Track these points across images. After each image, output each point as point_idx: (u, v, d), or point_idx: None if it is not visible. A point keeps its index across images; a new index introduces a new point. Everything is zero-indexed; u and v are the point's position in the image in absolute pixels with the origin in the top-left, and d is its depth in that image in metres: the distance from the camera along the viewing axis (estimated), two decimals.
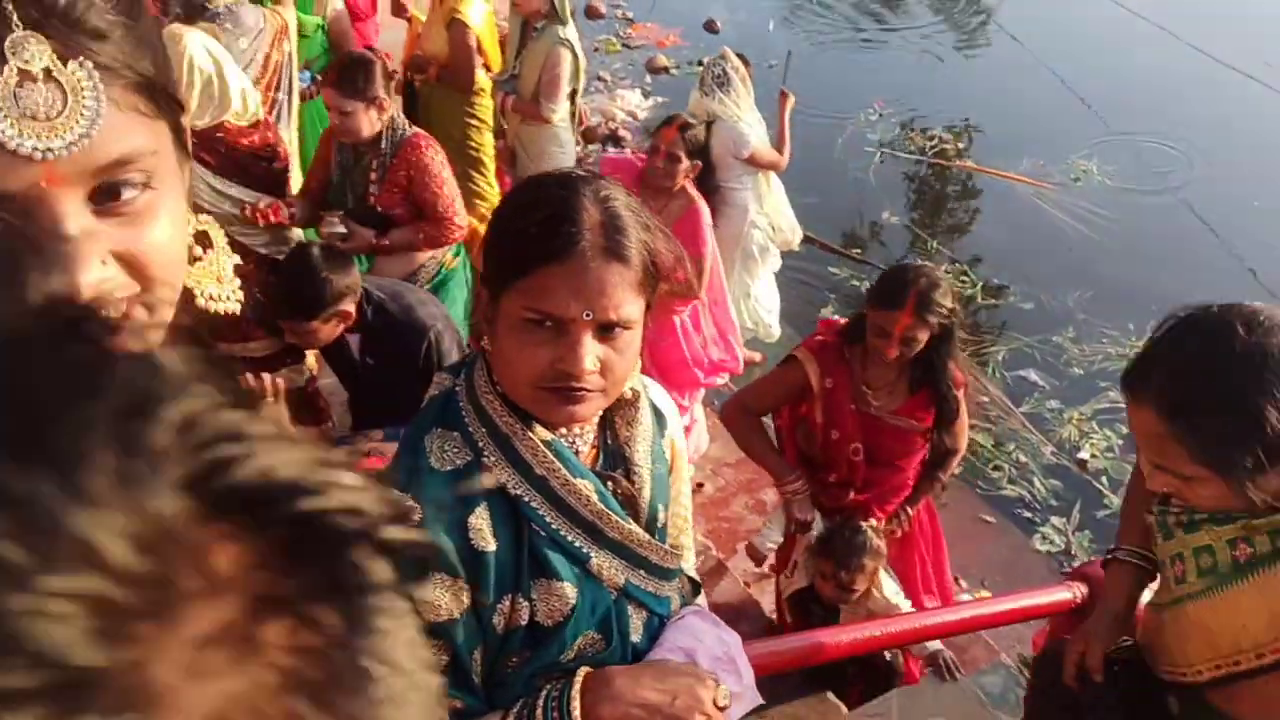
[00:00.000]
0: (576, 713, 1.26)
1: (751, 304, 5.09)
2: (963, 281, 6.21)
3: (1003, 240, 6.71)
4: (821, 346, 3.06)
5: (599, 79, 8.42)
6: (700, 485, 4.44)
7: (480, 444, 1.28)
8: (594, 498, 1.30)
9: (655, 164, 4.05)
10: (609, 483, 1.35)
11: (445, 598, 1.23)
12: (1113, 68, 8.71)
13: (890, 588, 3.15)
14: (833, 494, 3.14)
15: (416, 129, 3.62)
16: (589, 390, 1.23)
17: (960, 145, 7.58)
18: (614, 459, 1.39)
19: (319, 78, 4.52)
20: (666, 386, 4.49)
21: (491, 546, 1.25)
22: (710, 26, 9.27)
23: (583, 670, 1.30)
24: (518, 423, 1.27)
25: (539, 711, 1.27)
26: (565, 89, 4.89)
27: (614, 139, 7.58)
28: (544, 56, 4.89)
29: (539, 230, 1.21)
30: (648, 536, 1.36)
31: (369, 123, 3.45)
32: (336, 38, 4.86)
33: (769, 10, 9.73)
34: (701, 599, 1.57)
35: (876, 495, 3.15)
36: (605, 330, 1.22)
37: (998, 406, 5.36)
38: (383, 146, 3.51)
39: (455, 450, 1.28)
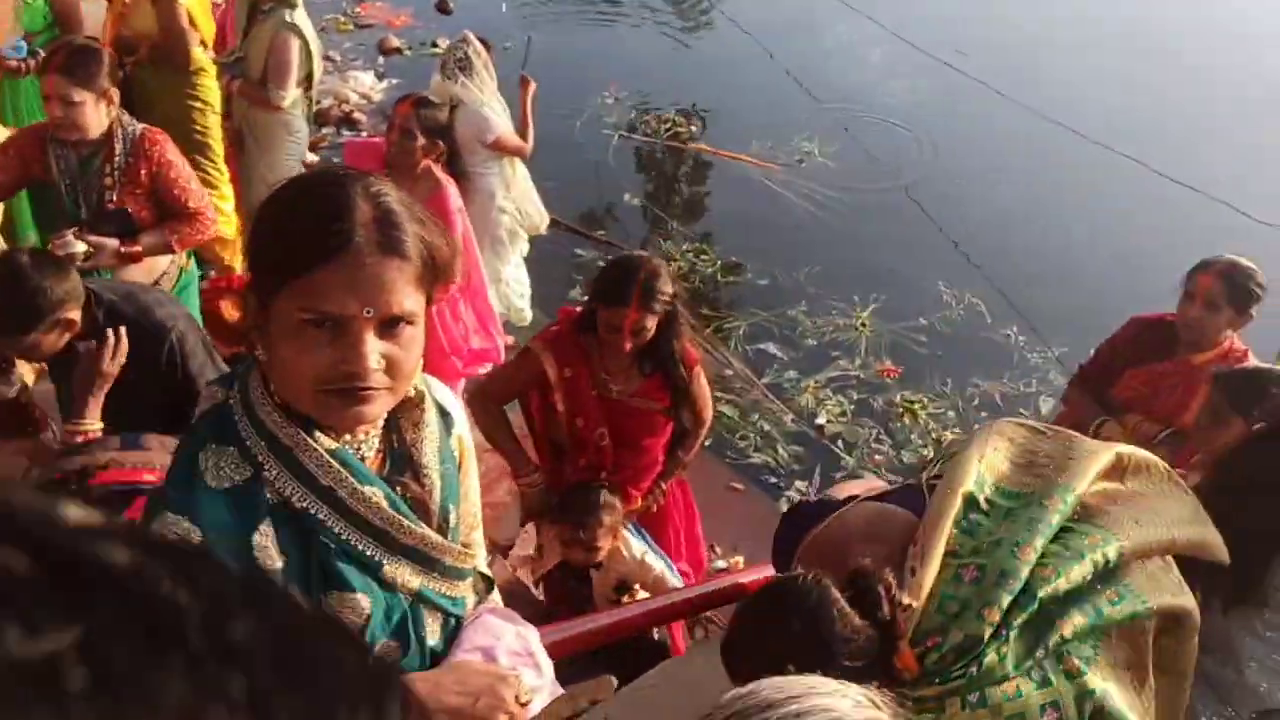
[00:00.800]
0: None
1: (503, 288, 5.10)
2: (703, 260, 6.45)
3: (737, 220, 7.01)
4: (557, 337, 3.13)
5: (328, 59, 8.11)
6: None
7: (259, 457, 1.22)
8: (384, 505, 1.27)
9: (391, 140, 3.99)
10: (398, 488, 1.32)
11: None
12: (830, 54, 9.25)
13: (638, 546, 3.22)
14: (584, 478, 3.20)
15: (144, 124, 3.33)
16: (374, 389, 1.19)
17: (693, 129, 7.83)
18: (401, 463, 1.35)
19: (39, 53, 4.05)
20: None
21: (279, 564, 1.20)
22: (442, 7, 9.13)
23: None
24: (299, 433, 1.22)
25: None
26: (294, 75, 4.70)
27: (348, 121, 7.35)
28: (270, 40, 4.68)
29: (310, 229, 1.17)
30: (441, 539, 1.35)
31: (98, 117, 3.11)
32: (62, 10, 4.43)
33: None
34: (496, 595, 1.57)
35: (628, 476, 3.24)
36: (387, 326, 1.19)
37: (741, 379, 5.61)
38: (115, 144, 3.17)
39: (233, 466, 1.22)
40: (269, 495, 1.22)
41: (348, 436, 1.27)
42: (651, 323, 2.94)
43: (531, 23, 8.86)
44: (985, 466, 1.86)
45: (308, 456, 1.22)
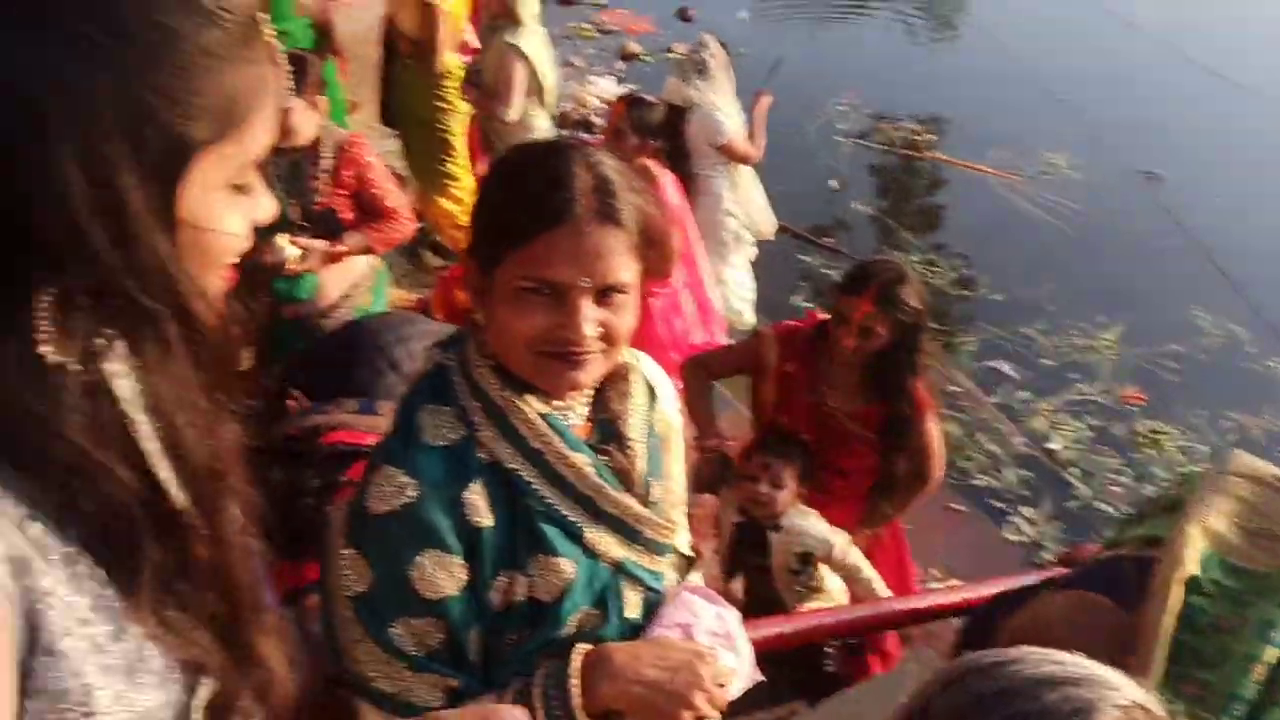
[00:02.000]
0: (575, 690, 1.24)
1: (725, 291, 5.09)
2: (933, 271, 6.23)
3: (973, 231, 6.74)
4: (791, 331, 3.06)
5: (569, 64, 8.37)
6: None
7: (474, 418, 1.27)
8: (589, 471, 1.29)
9: (606, 140, 4.04)
10: (603, 457, 1.34)
11: (441, 575, 1.22)
12: (1085, 65, 8.77)
13: (820, 526, 2.95)
14: None
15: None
16: (589, 353, 1.24)
17: (930, 137, 7.60)
18: (607, 433, 1.37)
19: None
20: None
21: (488, 522, 1.25)
22: (684, 14, 9.23)
23: (581, 647, 1.28)
24: (513, 395, 1.26)
25: (537, 690, 1.25)
26: (518, 92, 4.79)
27: (587, 125, 7.54)
28: (497, 58, 4.84)
29: (532, 198, 1.21)
30: (643, 510, 1.35)
31: (308, 123, 3.24)
32: (323, 25, 4.74)
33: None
34: (697, 575, 1.55)
35: (823, 505, 3.03)
36: (603, 294, 1.22)
37: (968, 397, 5.38)
38: (322, 148, 3.29)
39: (448, 425, 1.27)
40: (481, 455, 1.26)
41: (558, 403, 1.30)
42: (883, 328, 2.78)
43: (773, 33, 8.84)
44: (1208, 538, 1.57)
45: (518, 419, 1.26)
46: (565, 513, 1.28)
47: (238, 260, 0.89)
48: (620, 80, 8.16)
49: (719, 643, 1.36)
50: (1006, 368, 5.59)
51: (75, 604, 0.77)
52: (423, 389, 1.31)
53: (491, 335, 1.27)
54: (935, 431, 3.00)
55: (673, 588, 1.43)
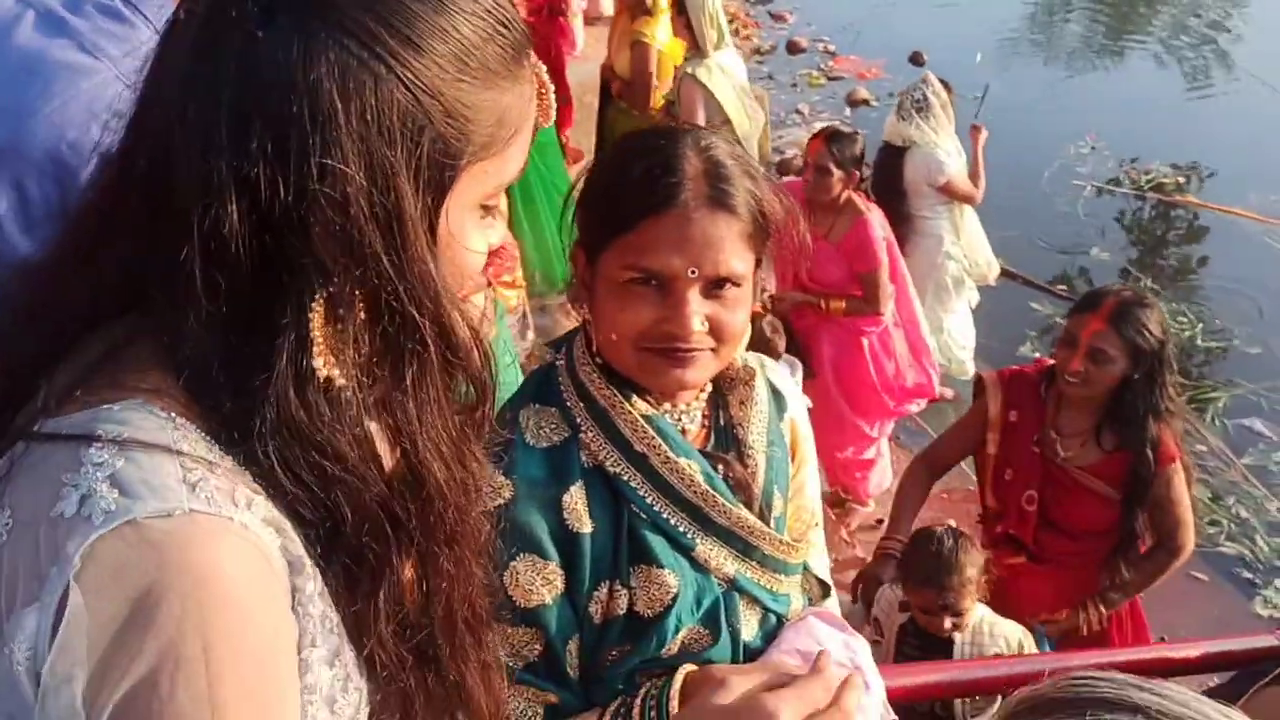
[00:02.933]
0: (675, 711, 1.15)
1: (944, 338, 4.90)
2: (1180, 322, 5.79)
3: (1226, 280, 6.24)
4: (1014, 376, 2.85)
5: (797, 112, 8.37)
6: (880, 520, 4.27)
7: (578, 419, 1.22)
8: (699, 478, 1.21)
9: (808, 178, 3.97)
10: (719, 465, 1.26)
11: (537, 581, 1.17)
12: None
13: (1012, 631, 2.60)
14: (999, 554, 2.77)
15: None
16: (697, 350, 1.17)
17: (1180, 180, 7.11)
18: (726, 440, 1.30)
19: None
20: (853, 413, 4.22)
21: (588, 528, 1.19)
22: (916, 59, 9.06)
23: (684, 667, 1.19)
24: (616, 396, 1.21)
25: (636, 710, 1.18)
26: (700, 121, 4.82)
27: None
28: (681, 91, 4.91)
29: (638, 182, 1.16)
30: (760, 524, 1.26)
31: None
32: None
33: (979, 43, 9.43)
34: (833, 602, 1.45)
35: (1049, 563, 2.78)
36: (713, 286, 1.16)
37: (1217, 457, 4.96)
38: None
39: (552, 426, 1.23)
40: (585, 458, 1.21)
41: (668, 406, 1.25)
42: (1116, 353, 2.52)
43: (1006, 71, 8.55)
44: None
45: (623, 420, 1.21)
46: (674, 522, 1.22)
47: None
48: (846, 126, 8.09)
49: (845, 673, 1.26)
50: (1261, 425, 5.11)
51: (323, 617, 0.77)
52: (528, 389, 1.29)
53: (597, 330, 1.22)
54: (1184, 490, 2.67)
55: (798, 612, 1.34)
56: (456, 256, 0.80)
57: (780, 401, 1.38)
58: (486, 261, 0.87)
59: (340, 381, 0.74)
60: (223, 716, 0.67)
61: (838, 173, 3.91)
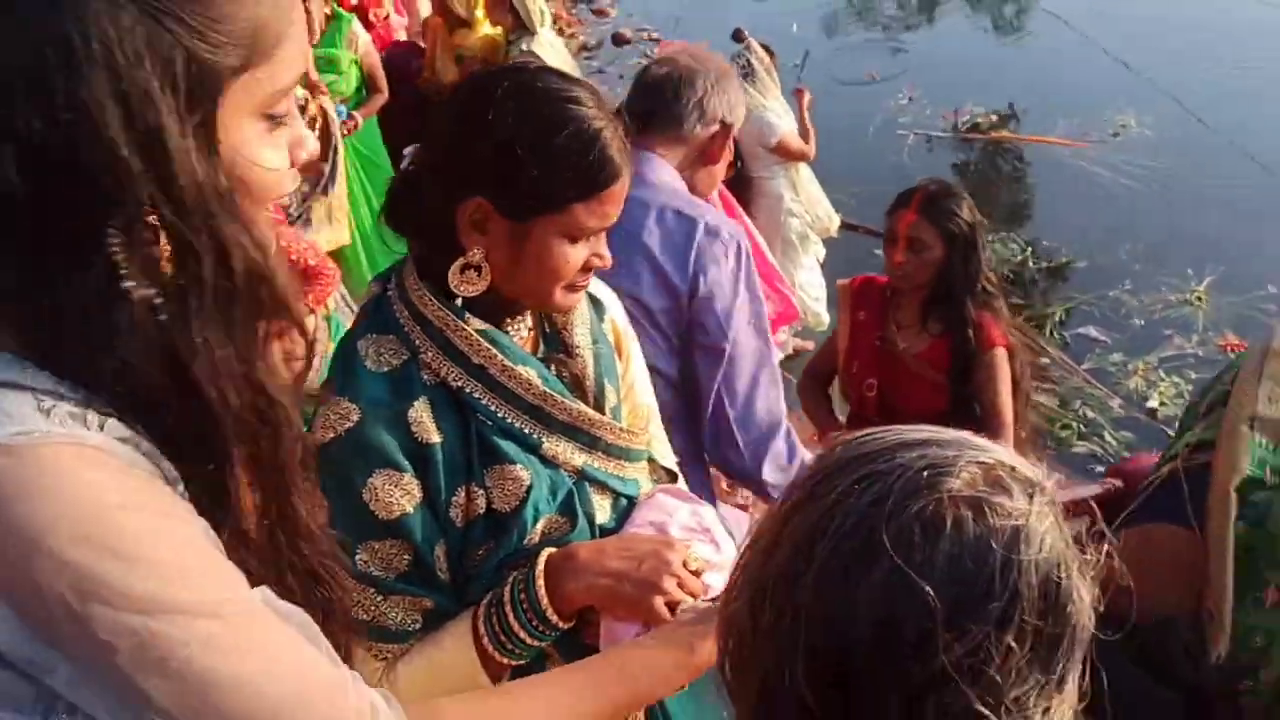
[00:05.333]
0: (541, 591, 1.25)
1: (798, 293, 5.10)
2: (1012, 249, 6.16)
3: (1047, 204, 6.66)
4: (864, 283, 3.06)
5: None
6: None
7: (416, 341, 1.28)
8: (537, 381, 1.30)
9: None
10: (552, 366, 1.37)
11: (395, 493, 1.23)
12: (1143, 24, 8.60)
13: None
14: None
15: None
16: None
17: (994, 119, 7.53)
18: (554, 343, 1.41)
19: (355, 114, 4.77)
20: None
21: (436, 438, 1.26)
22: (738, 35, 9.29)
23: (546, 550, 1.29)
24: (450, 315, 1.28)
25: (506, 597, 1.27)
26: None
27: None
28: None
29: (577, 171, 1.24)
30: (598, 415, 1.37)
31: None
32: (369, 71, 5.06)
33: (795, 14, 9.76)
34: (681, 485, 1.57)
35: None
36: None
37: (1059, 366, 5.29)
38: None
39: (391, 351, 1.28)
40: (426, 376, 1.28)
41: (506, 321, 1.35)
42: (932, 240, 2.72)
43: (825, 39, 8.89)
44: (1261, 428, 1.44)
45: (459, 337, 1.27)
46: (517, 424, 1.30)
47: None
48: None
49: (695, 536, 1.35)
50: (1096, 332, 5.49)
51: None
52: (363, 320, 1.33)
53: (508, 273, 1.28)
54: (1004, 373, 2.82)
55: (647, 491, 1.45)
56: (246, 168, 0.82)
57: (599, 307, 1.51)
58: (295, 166, 0.90)
59: (158, 301, 0.77)
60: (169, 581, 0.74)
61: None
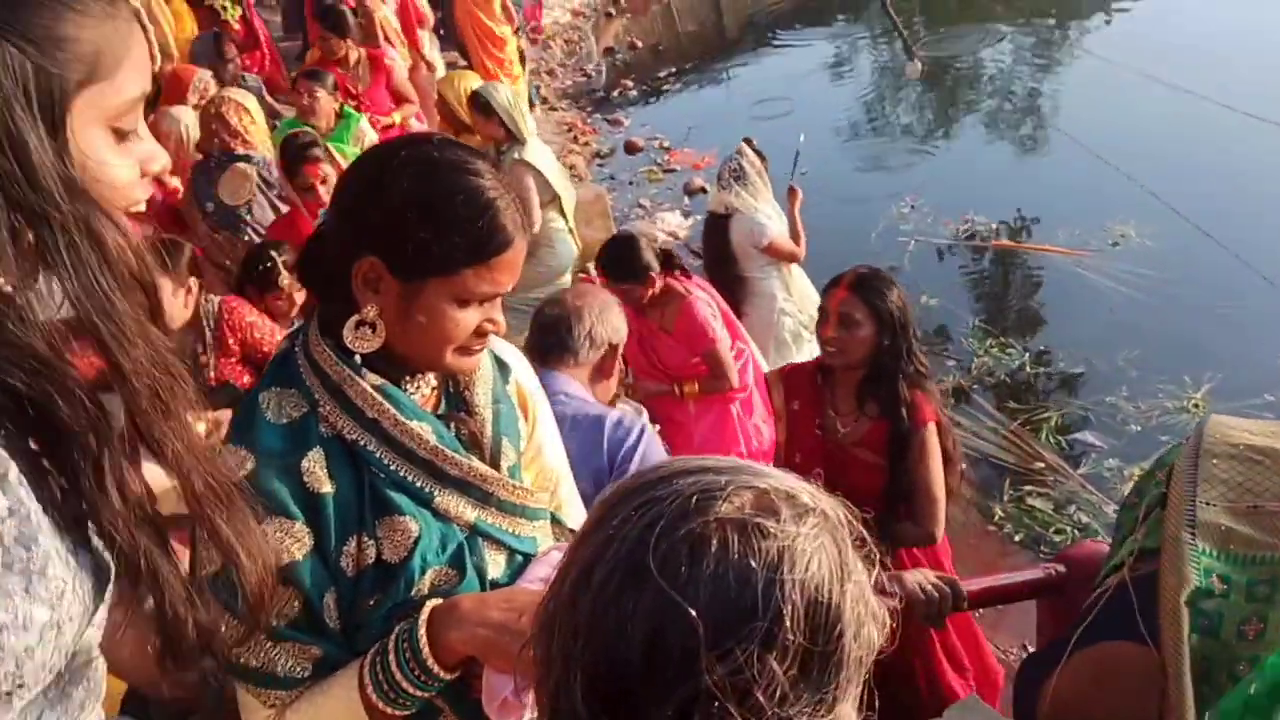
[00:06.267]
0: (423, 640, 1.26)
1: None
2: (1009, 353, 6.17)
3: (1046, 310, 6.69)
4: (791, 370, 3.10)
5: (640, 206, 8.72)
6: None
7: (316, 395, 1.32)
8: (430, 438, 1.34)
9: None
10: (450, 424, 1.40)
11: (286, 541, 1.26)
12: (1141, 137, 8.75)
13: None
14: None
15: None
16: None
17: (995, 228, 7.62)
18: (454, 402, 1.44)
19: None
20: None
21: (328, 488, 1.29)
22: (747, 141, 9.53)
23: (431, 602, 1.31)
24: (347, 371, 1.32)
25: (390, 647, 1.28)
26: (536, 204, 5.05)
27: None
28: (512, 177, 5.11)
29: (465, 235, 1.27)
30: (491, 471, 1.39)
31: (179, 307, 3.17)
32: None
33: (802, 126, 9.96)
34: None
35: None
36: None
37: (1055, 471, 5.25)
38: (202, 323, 3.32)
39: (292, 404, 1.33)
40: (323, 429, 1.31)
41: (407, 379, 1.38)
42: (863, 318, 2.80)
43: (832, 148, 9.08)
44: (1203, 535, 1.36)
45: (354, 392, 1.31)
46: (409, 477, 1.33)
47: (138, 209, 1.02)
48: (686, 215, 8.45)
49: None
50: (1092, 437, 5.46)
51: (17, 502, 0.87)
52: (268, 375, 1.38)
53: (400, 335, 1.31)
54: (935, 448, 2.87)
55: (543, 548, 1.46)
56: (97, 171, 0.94)
57: (504, 369, 1.54)
58: (145, 177, 1.02)
59: (8, 288, 0.87)
60: None
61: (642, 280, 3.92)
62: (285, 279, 3.60)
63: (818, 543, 0.77)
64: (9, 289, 0.87)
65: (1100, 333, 6.20)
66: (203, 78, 5.35)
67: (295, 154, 4.34)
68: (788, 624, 0.73)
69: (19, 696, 0.92)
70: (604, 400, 2.58)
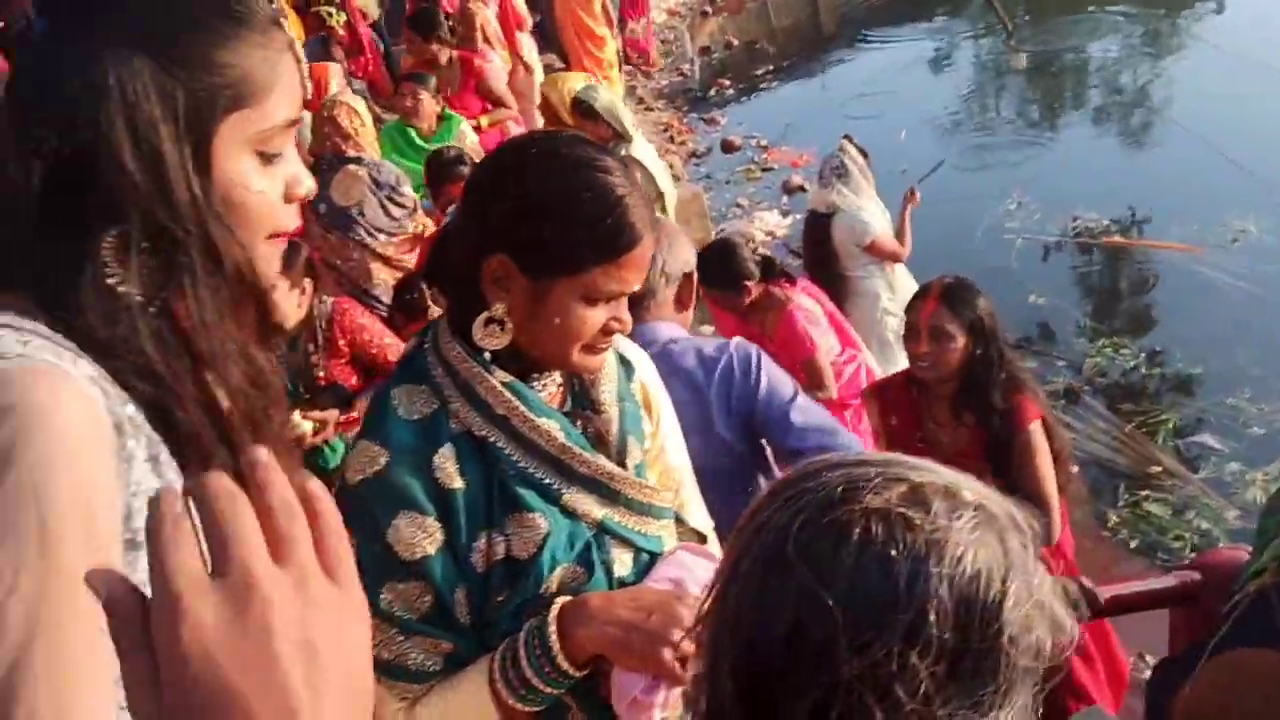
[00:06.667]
0: (553, 637, 1.27)
1: None
2: (1122, 353, 5.98)
3: (1159, 309, 6.49)
4: (883, 385, 3.05)
5: (737, 205, 8.69)
6: None
7: (446, 392, 1.33)
8: (558, 435, 1.34)
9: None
10: (577, 422, 1.40)
11: (418, 535, 1.28)
12: (1258, 128, 8.39)
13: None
14: None
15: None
16: None
17: (1106, 224, 7.39)
18: (581, 400, 1.44)
19: None
20: None
21: (459, 484, 1.30)
22: (848, 141, 9.42)
23: (559, 599, 1.31)
24: (476, 368, 1.32)
25: (521, 644, 1.29)
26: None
27: None
28: None
29: (593, 234, 1.27)
30: (619, 470, 1.39)
31: (293, 305, 3.16)
32: None
33: (906, 124, 9.81)
34: (713, 547, 1.57)
35: None
36: None
37: (1172, 475, 5.08)
38: (315, 323, 3.36)
39: (422, 401, 1.34)
40: (454, 425, 1.32)
41: (534, 377, 1.38)
42: (955, 330, 2.77)
43: (930, 147, 8.92)
44: None
45: (484, 388, 1.32)
46: (538, 474, 1.33)
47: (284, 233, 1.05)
48: (785, 213, 8.38)
49: None
50: (1211, 440, 5.26)
51: (146, 480, 0.89)
52: (399, 372, 1.40)
53: (529, 333, 1.32)
54: (1042, 447, 2.82)
55: (669, 548, 1.46)
56: (239, 196, 0.97)
57: (629, 367, 1.54)
58: (291, 202, 1.04)
59: (137, 297, 0.91)
60: (50, 533, 0.78)
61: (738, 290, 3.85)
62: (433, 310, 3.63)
63: (974, 537, 0.74)
64: (139, 299, 0.91)
65: (1219, 331, 5.97)
66: (335, 70, 5.45)
67: (440, 171, 4.41)
68: (933, 619, 0.71)
69: None
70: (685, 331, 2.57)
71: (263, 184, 1.00)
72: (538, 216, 1.27)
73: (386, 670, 1.32)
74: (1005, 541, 0.76)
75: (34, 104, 0.89)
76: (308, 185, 1.05)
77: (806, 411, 2.30)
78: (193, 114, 0.92)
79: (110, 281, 0.89)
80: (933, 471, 0.79)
